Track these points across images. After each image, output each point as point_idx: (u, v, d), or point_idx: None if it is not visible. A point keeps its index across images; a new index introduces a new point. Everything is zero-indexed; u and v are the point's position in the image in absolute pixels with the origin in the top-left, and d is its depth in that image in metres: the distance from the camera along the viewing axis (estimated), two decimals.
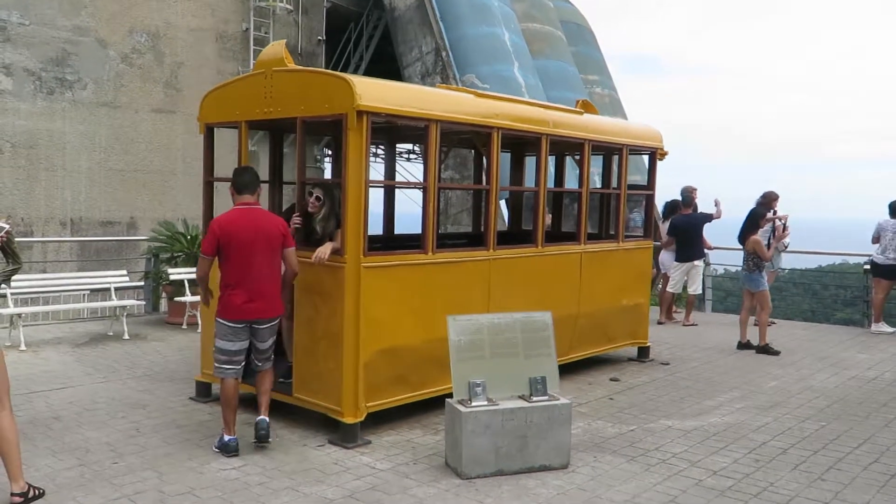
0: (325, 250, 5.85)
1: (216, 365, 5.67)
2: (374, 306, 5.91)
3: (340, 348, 5.84)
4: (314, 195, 6.24)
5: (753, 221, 10.15)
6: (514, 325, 5.60)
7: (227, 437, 5.61)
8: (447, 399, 5.38)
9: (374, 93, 5.83)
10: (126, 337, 9.77)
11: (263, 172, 6.88)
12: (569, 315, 7.85)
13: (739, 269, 16.62)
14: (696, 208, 11.98)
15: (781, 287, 16.06)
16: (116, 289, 10.62)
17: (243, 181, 5.69)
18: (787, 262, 14.49)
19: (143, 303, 11.18)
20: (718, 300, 14.86)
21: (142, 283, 11.76)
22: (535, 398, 5.43)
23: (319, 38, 20.50)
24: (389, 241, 8.43)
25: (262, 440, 5.66)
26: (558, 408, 5.41)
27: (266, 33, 18.84)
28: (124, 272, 10.69)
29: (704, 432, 6.36)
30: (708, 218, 11.79)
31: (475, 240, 8.85)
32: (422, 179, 6.51)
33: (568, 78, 21.65)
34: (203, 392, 7.01)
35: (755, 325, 10.32)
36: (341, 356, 5.84)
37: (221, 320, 5.58)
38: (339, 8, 21.08)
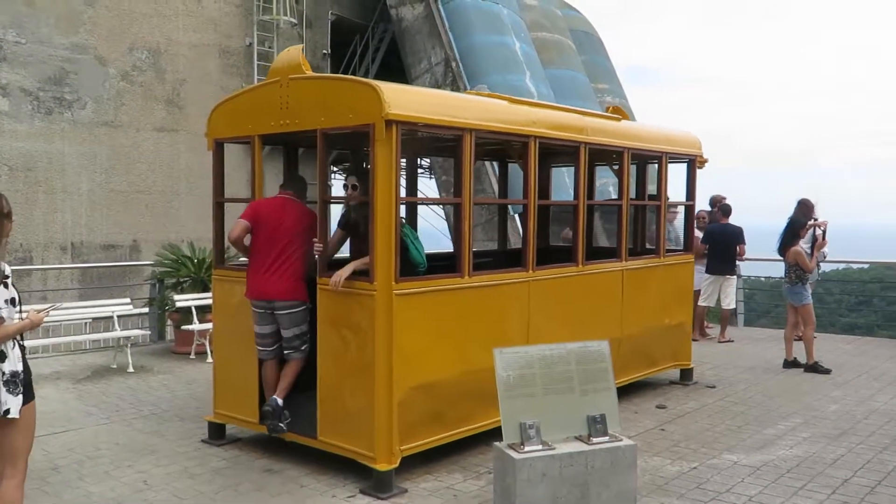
0: (343, 273, 5.24)
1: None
2: (407, 337, 5.29)
3: (372, 386, 5.22)
4: (349, 184, 5.67)
5: (793, 231, 9.54)
6: (567, 356, 4.96)
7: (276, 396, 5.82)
8: (496, 444, 4.74)
9: (404, 100, 5.24)
10: (130, 370, 9.15)
11: (271, 190, 6.28)
12: (612, 339, 7.13)
13: (781, 280, 16.06)
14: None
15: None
16: (120, 317, 10.04)
17: (287, 178, 6.23)
18: (751, 270, 13.89)
19: (148, 332, 10.55)
20: (752, 313, 14.23)
21: (146, 311, 11.13)
22: (594, 439, 4.79)
23: (325, 51, 19.97)
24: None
25: (265, 417, 5.75)
26: (622, 450, 4.77)
27: (270, 48, 18.31)
28: (128, 300, 10.09)
29: (776, 468, 5.71)
30: (741, 235, 11.14)
31: (502, 259, 8.25)
32: (437, 193, 5.91)
33: (579, 87, 21.10)
34: (216, 434, 6.39)
35: (797, 339, 9.70)
36: (373, 394, 5.22)
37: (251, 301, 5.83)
38: (344, 20, 20.55)
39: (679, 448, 6.23)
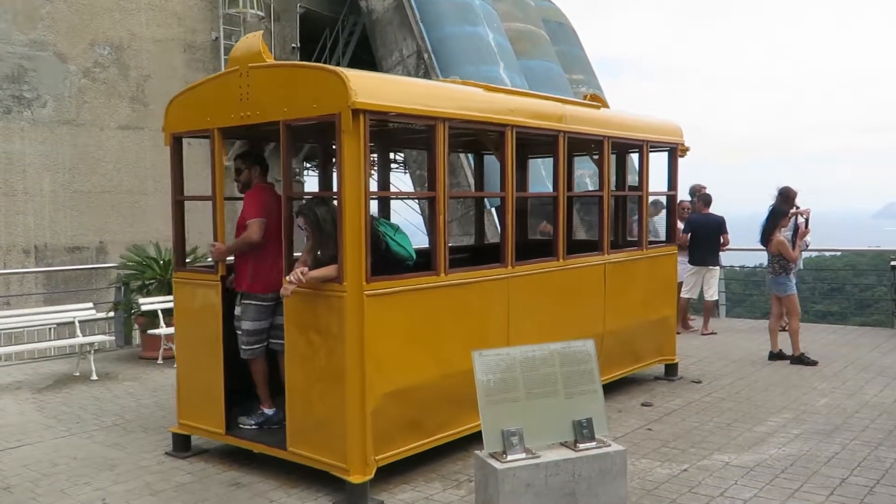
0: (295, 274, 4.90)
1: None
2: (380, 341, 4.97)
3: (343, 393, 4.89)
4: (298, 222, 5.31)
5: (775, 220, 9.31)
6: (551, 357, 4.67)
7: (268, 411, 5.77)
8: (477, 452, 4.43)
9: (372, 88, 4.90)
10: (94, 377, 8.74)
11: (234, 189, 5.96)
12: (595, 334, 6.86)
13: (756, 269, 15.86)
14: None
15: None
16: (83, 323, 9.63)
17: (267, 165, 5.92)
18: (727, 259, 13.71)
19: (112, 338, 10.12)
20: (728, 302, 14.04)
21: (112, 315, 10.70)
22: (581, 445, 4.50)
23: (294, 45, 19.56)
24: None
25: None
26: (611, 456, 4.48)
27: (237, 42, 17.84)
28: (90, 305, 9.66)
29: (770, 469, 5.46)
30: (724, 225, 10.89)
31: (479, 254, 7.96)
32: (413, 188, 5.58)
33: (553, 78, 20.84)
34: (181, 446, 6.02)
35: (782, 330, 9.50)
36: (344, 403, 4.89)
37: (257, 296, 5.58)
38: (312, 14, 20.14)
39: (668, 449, 5.96)
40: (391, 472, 5.30)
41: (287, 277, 4.95)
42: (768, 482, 5.20)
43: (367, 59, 19.88)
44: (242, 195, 5.82)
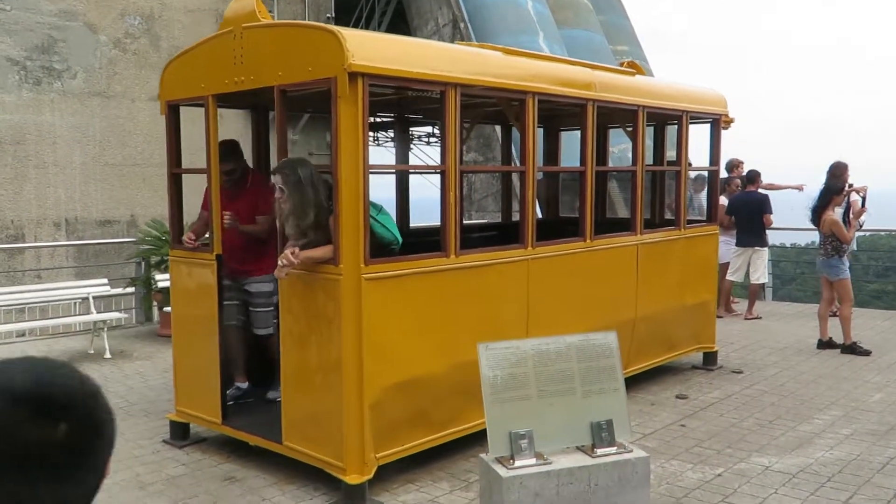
0: (286, 256, 4.47)
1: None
2: (381, 328, 4.53)
3: (339, 386, 4.47)
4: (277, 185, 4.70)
5: (828, 198, 8.62)
6: (567, 351, 4.18)
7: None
8: (482, 456, 3.98)
9: (372, 49, 4.43)
10: (108, 356, 8.48)
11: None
12: (626, 321, 6.42)
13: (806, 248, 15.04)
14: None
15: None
16: (106, 298, 9.39)
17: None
18: (777, 238, 13.01)
19: (126, 315, 9.85)
20: (777, 280, 13.33)
21: (132, 291, 10.46)
22: (599, 450, 4.02)
23: (329, 15, 19.04)
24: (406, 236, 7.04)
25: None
26: (632, 463, 3.99)
27: (270, 11, 17.40)
28: (104, 280, 9.40)
29: (815, 475, 4.91)
30: (767, 203, 10.20)
31: (506, 232, 7.46)
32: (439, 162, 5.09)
33: (596, 48, 20.00)
34: (179, 434, 5.68)
35: (832, 316, 8.85)
36: (340, 396, 4.47)
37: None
38: None
39: (701, 449, 5.44)
40: (397, 470, 4.89)
41: (279, 259, 4.52)
42: (813, 492, 4.66)
43: (404, 30, 19.31)
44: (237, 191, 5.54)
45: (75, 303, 10.50)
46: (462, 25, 16.45)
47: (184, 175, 5.82)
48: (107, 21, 15.49)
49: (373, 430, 4.54)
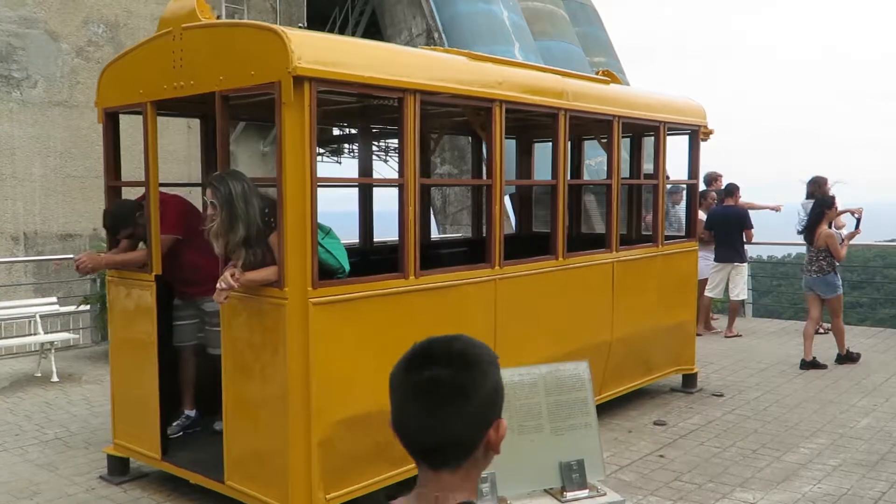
0: (225, 278, 4.05)
1: None
2: (331, 358, 4.12)
3: (284, 420, 4.06)
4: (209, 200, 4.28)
5: (822, 212, 8.31)
6: (535, 384, 3.79)
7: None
8: None
9: (321, 51, 4.04)
10: (55, 379, 7.99)
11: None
12: (601, 343, 6.06)
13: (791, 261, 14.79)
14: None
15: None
16: (57, 317, 8.90)
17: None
18: (754, 251, 12.94)
19: (74, 336, 9.35)
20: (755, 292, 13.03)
21: (86, 309, 9.97)
22: (569, 494, 3.63)
23: (300, 24, 18.66)
24: (367, 254, 6.65)
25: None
26: None
27: (241, 20, 17.02)
28: (54, 299, 8.91)
29: None
30: (747, 218, 9.87)
31: (476, 247, 7.07)
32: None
33: (573, 59, 19.76)
34: (118, 469, 5.23)
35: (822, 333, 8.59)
36: (286, 431, 4.06)
37: None
38: None
39: (681, 483, 5.07)
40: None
41: (219, 282, 4.10)
42: None
43: (378, 39, 18.99)
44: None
45: (29, 321, 10.00)
46: (436, 35, 16.14)
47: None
48: (69, 29, 15.00)
49: (322, 468, 4.12)
